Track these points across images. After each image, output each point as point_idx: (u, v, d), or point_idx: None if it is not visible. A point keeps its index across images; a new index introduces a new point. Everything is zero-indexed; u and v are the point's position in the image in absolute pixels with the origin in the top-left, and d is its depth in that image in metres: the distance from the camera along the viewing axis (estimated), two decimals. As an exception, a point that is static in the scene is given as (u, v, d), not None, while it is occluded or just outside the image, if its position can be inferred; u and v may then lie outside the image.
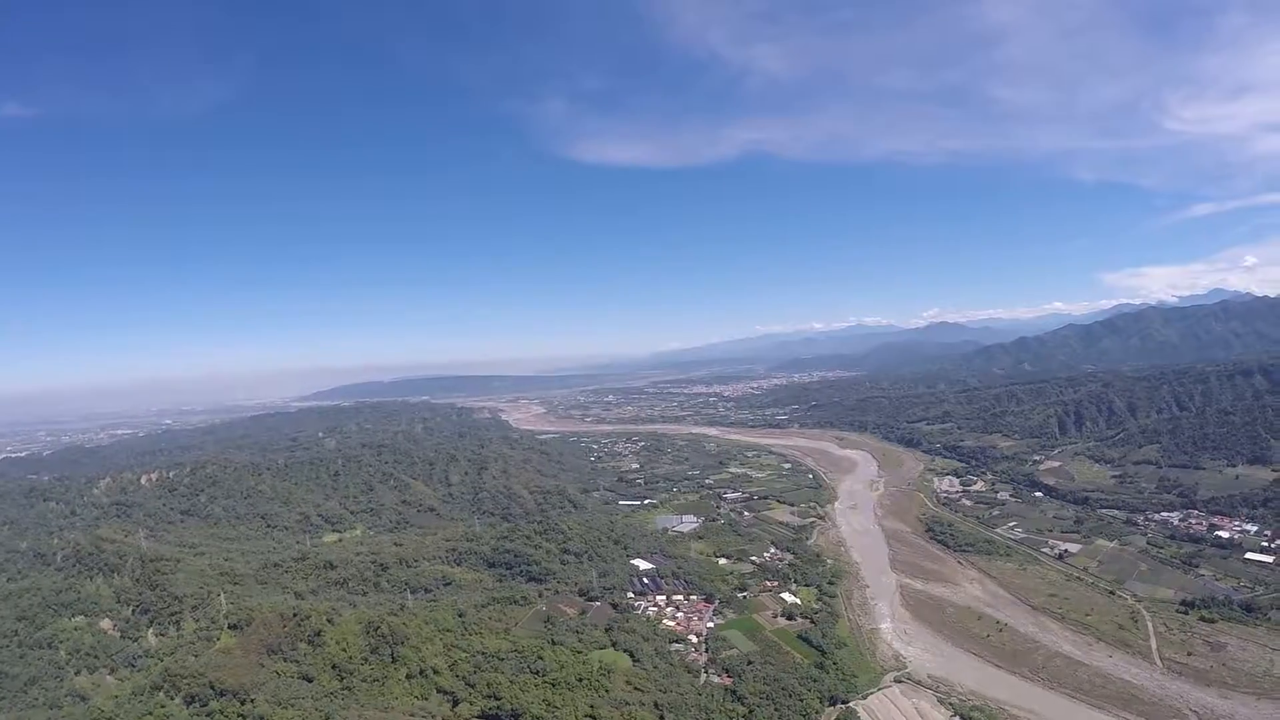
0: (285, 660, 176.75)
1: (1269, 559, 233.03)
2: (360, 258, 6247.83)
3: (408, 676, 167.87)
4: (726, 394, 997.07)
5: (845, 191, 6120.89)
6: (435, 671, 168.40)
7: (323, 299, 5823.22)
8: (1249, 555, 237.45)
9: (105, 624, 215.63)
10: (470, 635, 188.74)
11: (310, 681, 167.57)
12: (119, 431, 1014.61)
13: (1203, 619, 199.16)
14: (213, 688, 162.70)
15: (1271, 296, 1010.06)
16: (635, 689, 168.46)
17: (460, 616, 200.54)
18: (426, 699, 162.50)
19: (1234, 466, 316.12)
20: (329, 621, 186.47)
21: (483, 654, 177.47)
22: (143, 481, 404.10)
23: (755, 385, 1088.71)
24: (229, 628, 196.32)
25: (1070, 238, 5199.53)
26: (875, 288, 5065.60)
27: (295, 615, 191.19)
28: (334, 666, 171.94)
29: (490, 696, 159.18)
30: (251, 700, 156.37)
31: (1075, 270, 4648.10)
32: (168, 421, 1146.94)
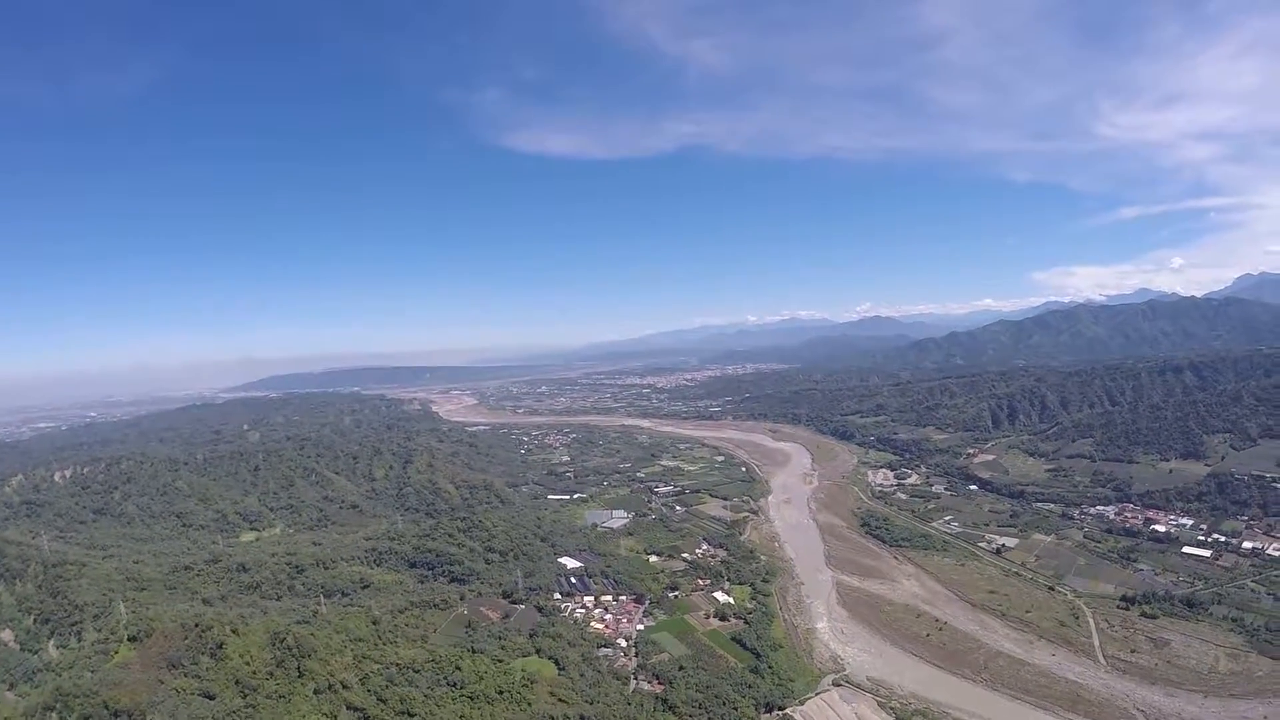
0: (186, 675, 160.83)
1: (1206, 553, 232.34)
2: (292, 246, 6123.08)
3: (315, 692, 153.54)
4: (660, 385, 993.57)
5: (781, 186, 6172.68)
6: (345, 686, 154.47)
7: (253, 288, 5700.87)
8: (1186, 549, 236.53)
9: (6, 634, 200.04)
10: (384, 645, 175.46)
11: (211, 699, 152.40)
12: (41, 425, 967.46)
13: (1144, 614, 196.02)
14: (106, 707, 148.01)
15: (1198, 297, 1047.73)
16: (560, 700, 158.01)
17: (374, 624, 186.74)
18: (335, 716, 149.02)
19: (1167, 461, 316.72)
20: (233, 632, 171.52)
21: (397, 665, 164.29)
22: (56, 478, 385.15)
23: (689, 377, 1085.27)
24: (128, 639, 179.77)
25: (1001, 236, 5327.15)
26: (810, 281, 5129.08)
27: (197, 626, 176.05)
28: (237, 682, 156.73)
29: (403, 713, 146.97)
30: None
31: (1006, 268, 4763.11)
32: (92, 414, 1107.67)
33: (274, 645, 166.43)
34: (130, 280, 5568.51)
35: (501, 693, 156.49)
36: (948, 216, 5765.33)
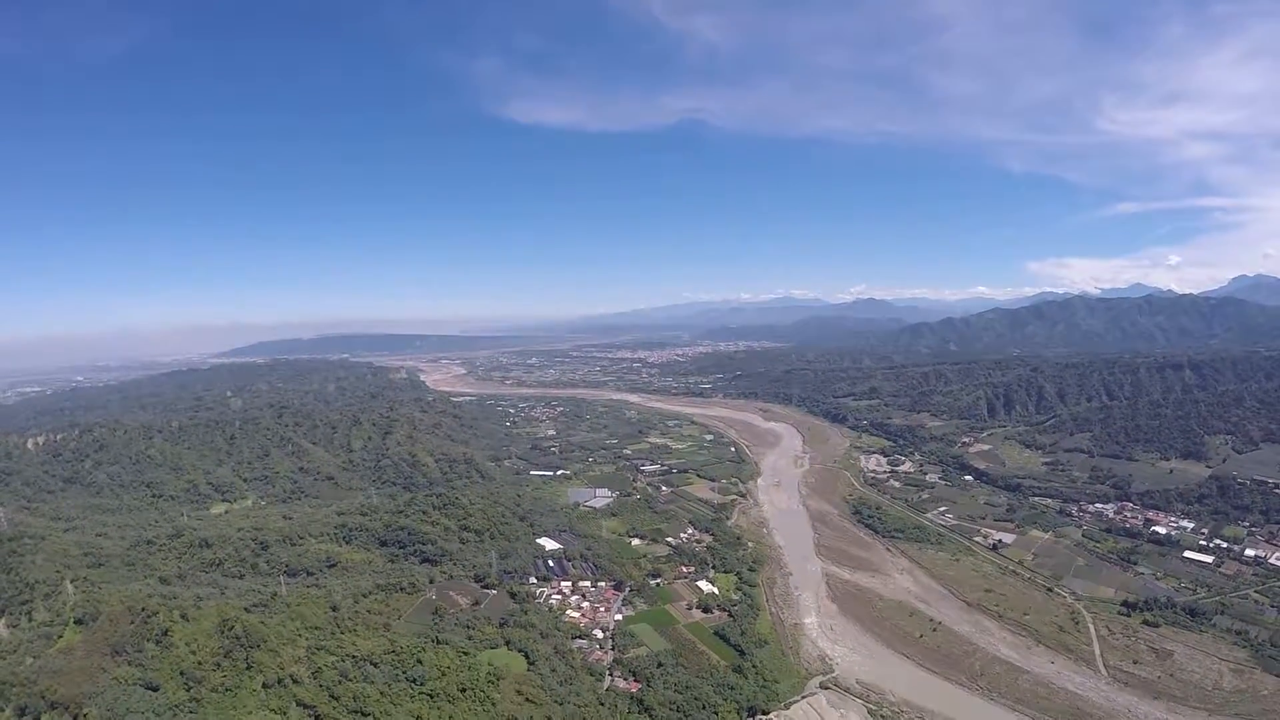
0: (130, 663, 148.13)
1: (1208, 559, 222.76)
2: (286, 211, 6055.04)
3: (264, 686, 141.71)
4: (651, 360, 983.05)
5: (779, 165, 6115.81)
6: (295, 680, 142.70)
7: (246, 253, 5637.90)
8: (1188, 553, 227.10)
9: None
10: (342, 634, 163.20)
11: (155, 690, 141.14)
12: (28, 390, 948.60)
13: (1146, 622, 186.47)
14: (44, 698, 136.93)
15: (1195, 295, 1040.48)
16: (527, 699, 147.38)
17: (334, 610, 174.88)
18: (284, 713, 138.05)
19: (1167, 460, 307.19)
20: (182, 618, 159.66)
21: (354, 658, 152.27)
22: (29, 445, 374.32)
23: (681, 352, 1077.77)
24: (75, 622, 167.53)
25: (997, 225, 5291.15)
26: (804, 261, 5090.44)
27: (144, 610, 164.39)
28: (181, 673, 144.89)
29: (356, 711, 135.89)
30: (84, 715, 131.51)
31: (1001, 257, 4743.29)
32: (79, 379, 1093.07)
33: (222, 633, 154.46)
34: (123, 243, 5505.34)
35: (464, 690, 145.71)
36: (944, 203, 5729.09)
